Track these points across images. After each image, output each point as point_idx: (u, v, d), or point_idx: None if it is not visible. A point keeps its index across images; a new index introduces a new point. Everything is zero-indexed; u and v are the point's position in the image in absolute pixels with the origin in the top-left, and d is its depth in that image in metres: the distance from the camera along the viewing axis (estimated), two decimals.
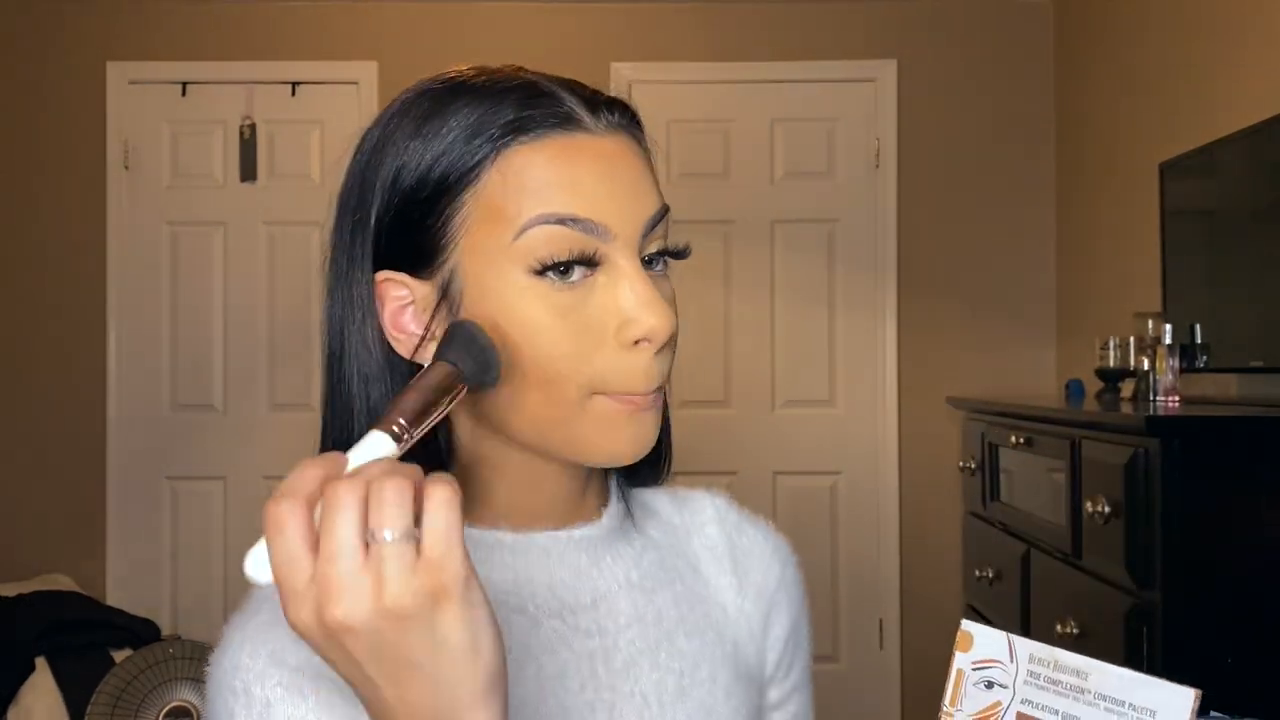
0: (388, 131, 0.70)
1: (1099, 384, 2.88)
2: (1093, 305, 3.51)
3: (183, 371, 3.84)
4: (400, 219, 0.68)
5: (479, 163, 0.66)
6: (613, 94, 0.72)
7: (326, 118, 3.85)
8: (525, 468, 0.72)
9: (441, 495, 0.50)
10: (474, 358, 0.60)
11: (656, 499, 0.84)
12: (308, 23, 3.85)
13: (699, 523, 0.84)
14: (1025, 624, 2.47)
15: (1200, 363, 2.53)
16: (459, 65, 0.73)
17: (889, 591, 3.81)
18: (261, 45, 3.84)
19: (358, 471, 0.51)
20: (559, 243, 0.65)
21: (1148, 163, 2.98)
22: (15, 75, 3.83)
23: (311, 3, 3.85)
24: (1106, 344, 2.84)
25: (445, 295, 0.67)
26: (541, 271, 0.65)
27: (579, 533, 0.75)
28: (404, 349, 0.69)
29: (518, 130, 0.66)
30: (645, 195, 0.69)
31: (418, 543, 0.50)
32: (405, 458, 0.55)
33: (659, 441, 0.77)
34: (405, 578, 0.49)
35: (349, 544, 0.49)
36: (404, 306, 0.69)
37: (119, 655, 3.17)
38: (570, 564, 0.74)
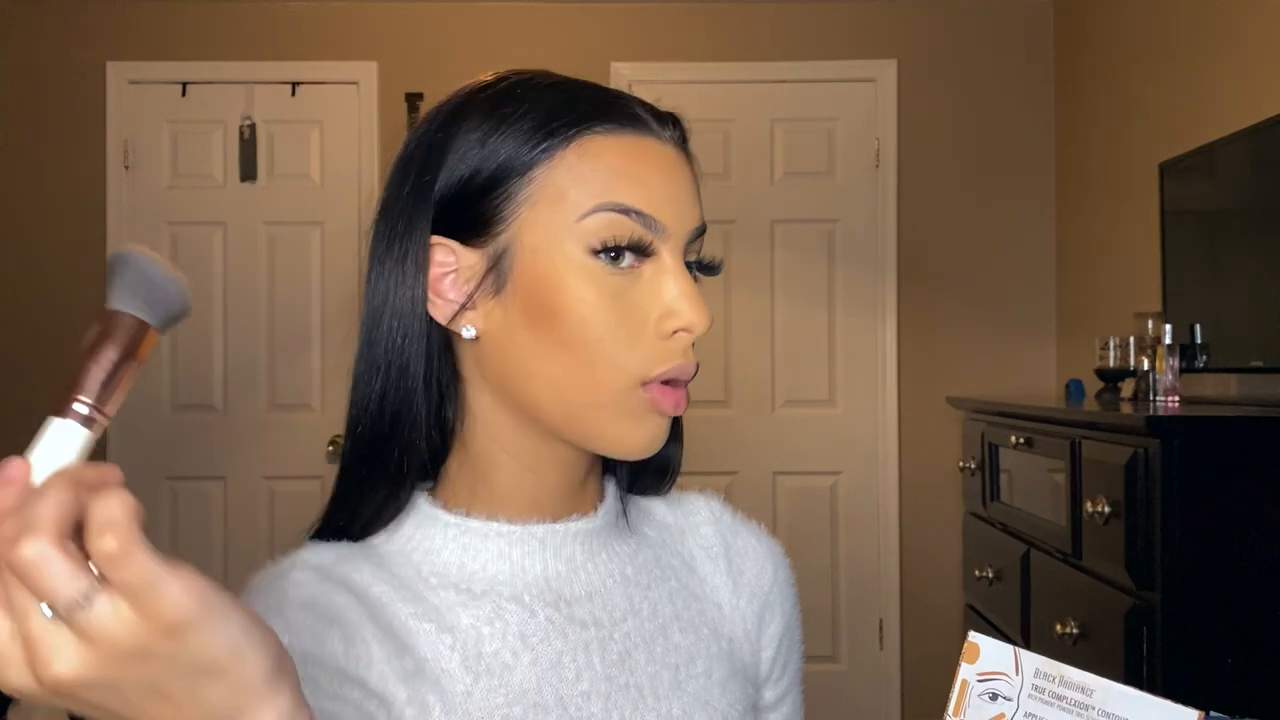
0: (464, 107, 0.73)
1: (1099, 384, 2.88)
2: (1093, 305, 3.51)
3: (183, 371, 3.84)
4: (463, 191, 0.71)
5: (553, 145, 0.70)
6: (671, 109, 0.76)
7: (326, 118, 3.85)
8: (533, 451, 0.74)
9: (109, 553, 0.43)
10: (156, 294, 0.49)
11: (651, 502, 0.85)
12: (308, 23, 3.85)
13: (694, 524, 0.86)
14: (1025, 624, 2.47)
15: (1200, 363, 2.53)
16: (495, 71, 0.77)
17: (889, 591, 3.81)
18: (261, 45, 3.84)
19: (7, 538, 0.44)
20: (620, 228, 0.69)
21: (1148, 163, 2.98)
22: (15, 75, 3.83)
23: (311, 3, 3.85)
24: (1106, 344, 2.84)
25: (495, 266, 0.71)
26: (598, 252, 0.69)
27: (574, 525, 0.76)
28: (440, 314, 0.72)
29: (596, 119, 0.70)
30: (693, 206, 0.73)
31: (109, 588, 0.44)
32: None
33: (668, 456, 0.80)
34: (115, 626, 0.44)
35: (39, 606, 0.44)
36: (446, 273, 0.72)
37: None
38: (566, 556, 0.76)
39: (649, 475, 0.83)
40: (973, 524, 2.94)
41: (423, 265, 0.71)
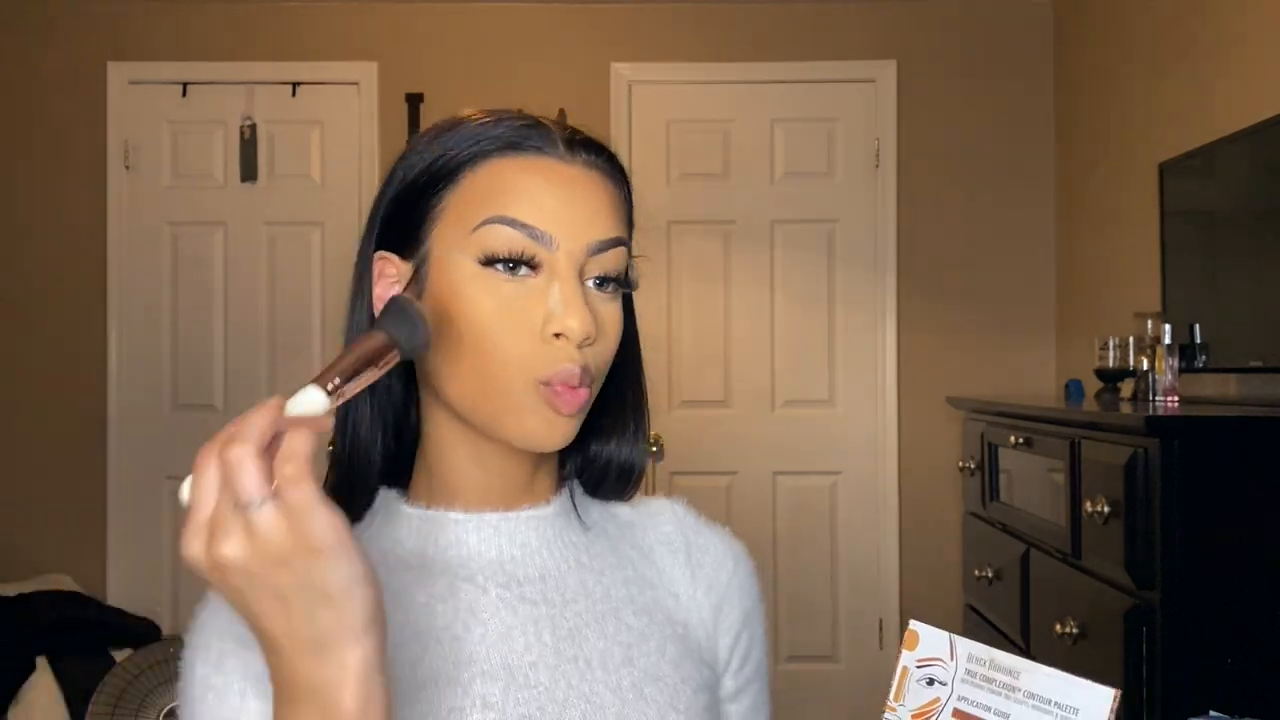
0: (413, 144, 0.81)
1: (1098, 384, 2.88)
2: (1092, 305, 3.51)
3: (183, 371, 3.84)
4: (398, 206, 0.80)
5: (462, 165, 0.77)
6: (604, 142, 0.81)
7: (326, 118, 3.86)
8: (473, 444, 0.80)
9: (286, 475, 0.57)
10: (406, 328, 0.66)
11: (617, 505, 0.90)
12: (308, 23, 3.85)
13: (656, 522, 0.90)
14: (1025, 624, 2.47)
15: (1200, 363, 2.53)
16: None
17: (889, 591, 3.81)
18: (261, 45, 3.85)
19: (224, 438, 0.59)
20: (506, 240, 0.75)
21: (1148, 163, 2.98)
22: (15, 75, 3.83)
23: (311, 3, 3.85)
24: (1106, 344, 2.84)
25: (415, 274, 0.78)
26: (488, 263, 0.75)
27: (527, 513, 0.82)
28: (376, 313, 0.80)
29: (503, 147, 0.77)
30: (598, 221, 0.78)
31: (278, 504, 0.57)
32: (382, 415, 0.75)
33: (631, 459, 0.85)
34: (273, 533, 0.56)
35: (229, 494, 0.57)
36: (388, 282, 0.80)
37: (119, 655, 3.17)
38: (520, 542, 0.81)
39: (614, 483, 0.87)
40: (972, 524, 2.95)
41: (368, 281, 0.80)
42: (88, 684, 3.02)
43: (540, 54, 3.84)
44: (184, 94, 3.84)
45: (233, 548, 0.56)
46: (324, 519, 0.57)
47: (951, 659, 0.70)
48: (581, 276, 0.77)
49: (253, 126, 3.83)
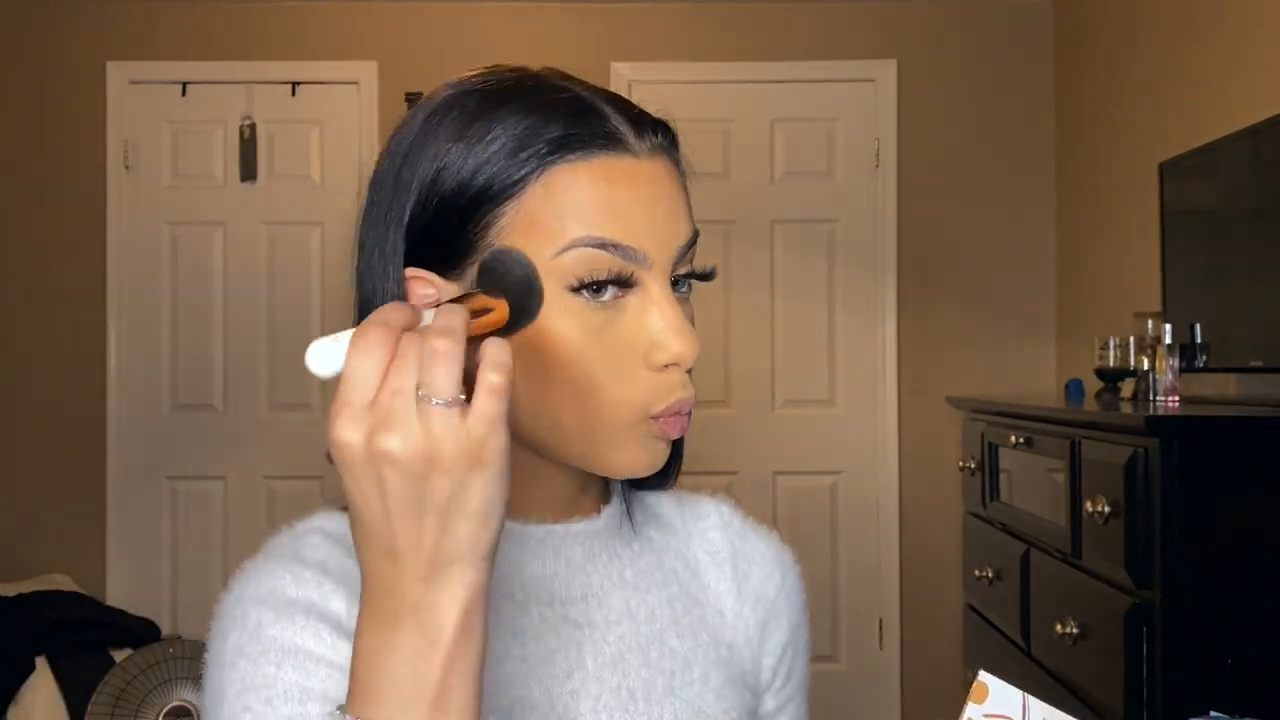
0: (429, 128, 0.70)
1: (1099, 384, 2.88)
2: (1092, 305, 3.51)
3: (183, 371, 3.84)
4: (437, 220, 0.69)
5: (524, 176, 0.67)
6: (657, 113, 0.73)
7: (326, 118, 3.86)
8: (533, 466, 0.73)
9: (491, 383, 0.55)
10: (524, 295, 0.64)
11: (661, 502, 0.84)
12: (308, 23, 3.85)
13: (702, 528, 0.85)
14: (1025, 624, 2.47)
15: (1200, 363, 2.53)
16: (498, 64, 0.73)
17: (889, 591, 3.81)
18: (261, 45, 3.84)
19: (436, 328, 0.56)
20: (598, 264, 0.67)
21: (1148, 163, 2.98)
22: (15, 75, 3.83)
23: (311, 3, 3.85)
24: (1106, 344, 2.84)
25: None
26: (578, 289, 0.67)
27: (575, 527, 0.76)
28: None
29: (564, 148, 0.67)
30: (680, 222, 0.70)
31: (465, 408, 0.55)
32: None
33: (677, 458, 0.78)
34: (449, 437, 0.54)
35: (413, 389, 0.55)
36: (428, 305, 0.70)
37: (119, 655, 3.17)
38: (564, 557, 0.75)
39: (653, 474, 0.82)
40: (972, 524, 2.94)
41: (391, 293, 0.70)
42: (88, 684, 3.02)
43: (540, 54, 3.81)
44: (184, 94, 3.84)
45: (403, 441, 0.54)
46: (500, 441, 0.55)
47: (1023, 718, 0.66)
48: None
49: (252, 126, 3.83)
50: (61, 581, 3.63)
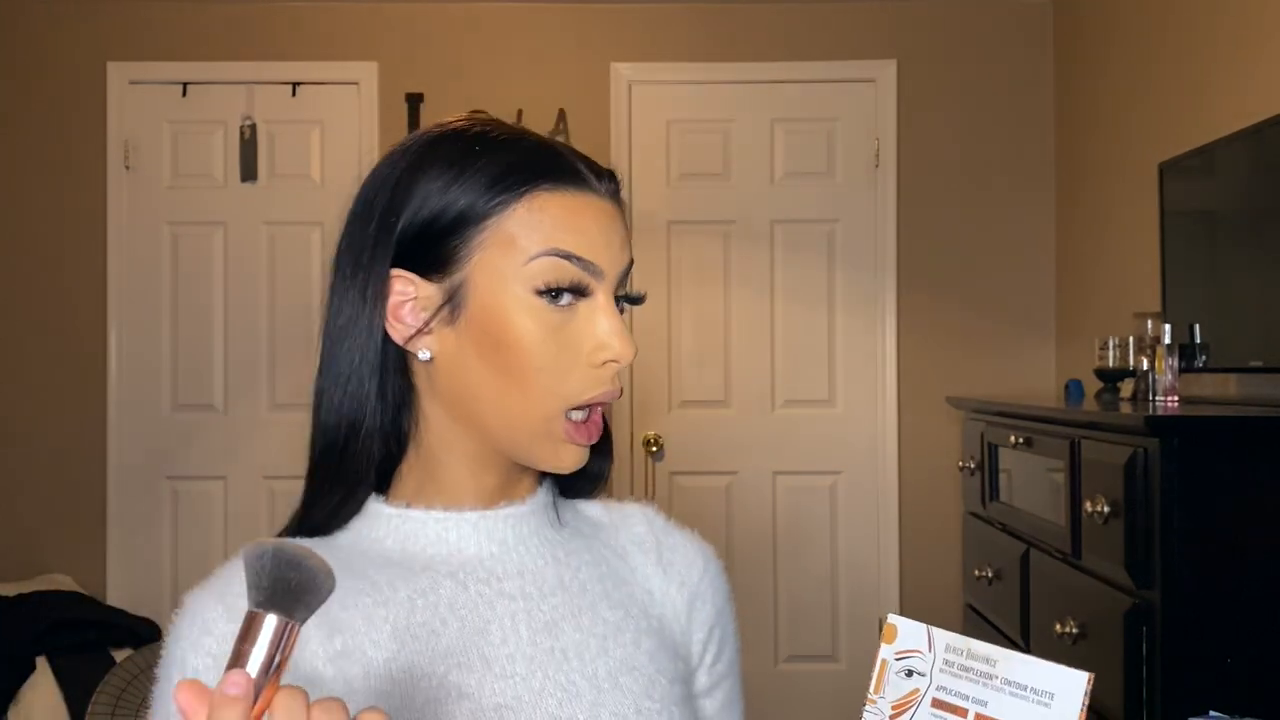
0: (421, 160, 0.82)
1: (1098, 384, 2.88)
2: (1092, 305, 3.51)
3: (183, 371, 3.85)
4: (424, 232, 0.81)
5: (507, 199, 0.80)
6: (606, 166, 0.86)
7: (326, 118, 3.86)
8: (477, 454, 0.84)
9: None
10: (300, 598, 0.57)
11: (589, 506, 0.94)
12: (308, 23, 3.85)
13: (628, 523, 0.94)
14: (1024, 623, 2.47)
15: (1199, 363, 2.53)
16: (477, 110, 0.89)
17: (889, 591, 3.81)
18: (261, 45, 3.85)
19: None
20: (561, 271, 0.80)
21: (1148, 163, 2.98)
22: (15, 75, 3.83)
23: (311, 3, 3.85)
24: (1106, 344, 2.84)
25: (450, 299, 0.81)
26: (542, 292, 0.79)
27: (505, 511, 0.85)
28: (398, 335, 0.81)
29: (541, 179, 0.81)
30: (624, 250, 0.84)
31: None
32: None
33: (596, 467, 0.89)
34: None
35: None
36: (405, 301, 0.81)
37: (119, 655, 3.17)
38: (499, 539, 0.85)
39: (583, 481, 0.91)
40: (972, 524, 2.95)
41: (383, 294, 0.81)
42: (88, 684, 3.02)
43: (540, 54, 3.84)
44: (184, 94, 3.84)
45: None
46: None
47: (929, 650, 0.71)
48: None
49: (253, 126, 3.83)
50: (62, 581, 3.63)
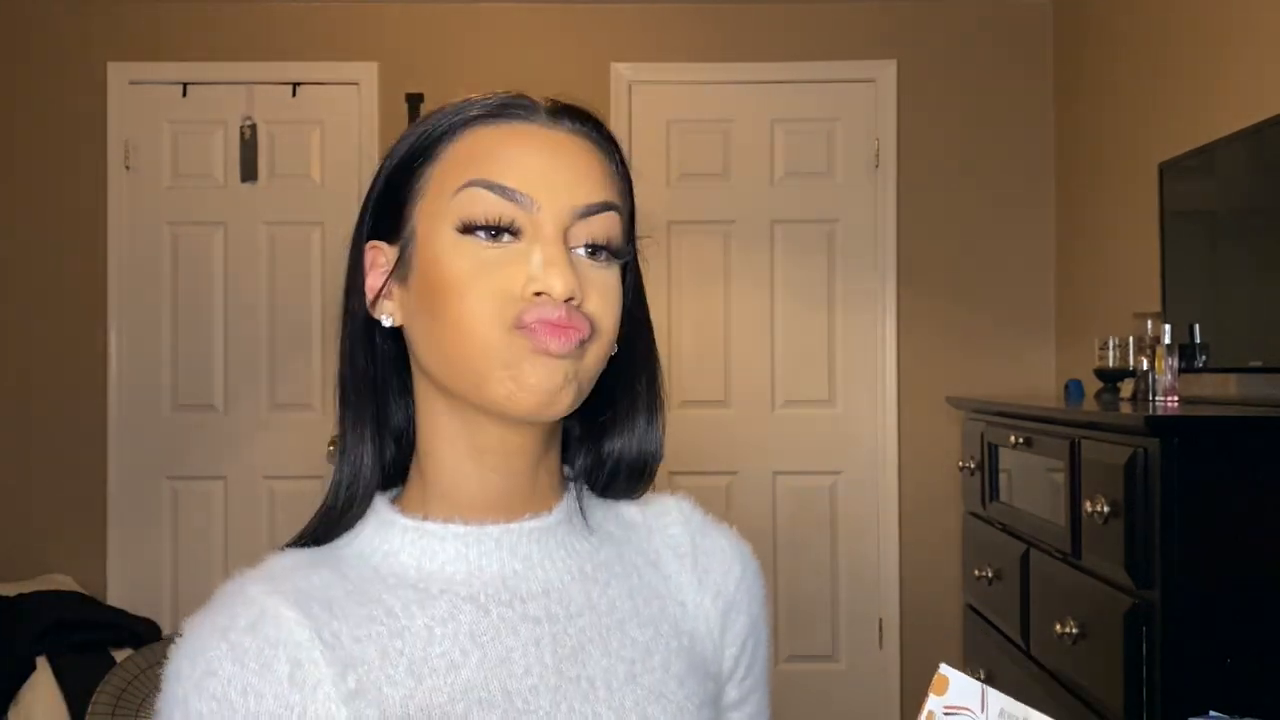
0: (398, 138, 0.80)
1: (1098, 384, 2.88)
2: (1092, 305, 3.51)
3: (183, 371, 3.84)
4: (383, 195, 0.79)
5: (442, 137, 0.76)
6: (591, 110, 0.80)
7: (327, 118, 3.86)
8: (466, 434, 0.77)
9: None
10: None
11: (625, 503, 0.87)
12: (308, 23, 3.85)
13: (663, 523, 0.87)
14: (1024, 623, 2.47)
15: (1199, 363, 2.53)
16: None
17: (889, 591, 3.81)
18: (261, 45, 3.85)
19: None
20: (485, 203, 0.73)
21: (1147, 163, 2.98)
22: (15, 75, 3.83)
23: (311, 3, 3.85)
24: (1106, 344, 2.84)
25: (401, 255, 0.77)
26: (467, 230, 0.73)
27: (529, 524, 0.79)
28: (369, 306, 0.78)
29: (484, 118, 0.76)
30: (585, 184, 0.75)
31: None
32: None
33: (646, 449, 0.82)
34: None
35: None
36: (382, 272, 0.79)
37: (120, 655, 3.17)
38: (522, 555, 0.78)
39: (624, 480, 0.85)
40: (972, 524, 2.95)
41: (360, 267, 0.79)
42: (88, 684, 3.01)
43: (540, 54, 3.84)
44: (184, 94, 3.84)
45: None
46: None
47: (982, 710, 0.67)
48: (568, 243, 0.74)
49: (253, 126, 3.83)
50: (62, 581, 3.63)
